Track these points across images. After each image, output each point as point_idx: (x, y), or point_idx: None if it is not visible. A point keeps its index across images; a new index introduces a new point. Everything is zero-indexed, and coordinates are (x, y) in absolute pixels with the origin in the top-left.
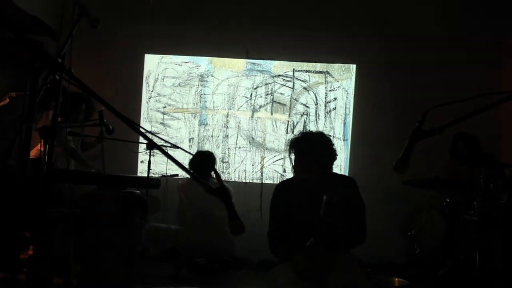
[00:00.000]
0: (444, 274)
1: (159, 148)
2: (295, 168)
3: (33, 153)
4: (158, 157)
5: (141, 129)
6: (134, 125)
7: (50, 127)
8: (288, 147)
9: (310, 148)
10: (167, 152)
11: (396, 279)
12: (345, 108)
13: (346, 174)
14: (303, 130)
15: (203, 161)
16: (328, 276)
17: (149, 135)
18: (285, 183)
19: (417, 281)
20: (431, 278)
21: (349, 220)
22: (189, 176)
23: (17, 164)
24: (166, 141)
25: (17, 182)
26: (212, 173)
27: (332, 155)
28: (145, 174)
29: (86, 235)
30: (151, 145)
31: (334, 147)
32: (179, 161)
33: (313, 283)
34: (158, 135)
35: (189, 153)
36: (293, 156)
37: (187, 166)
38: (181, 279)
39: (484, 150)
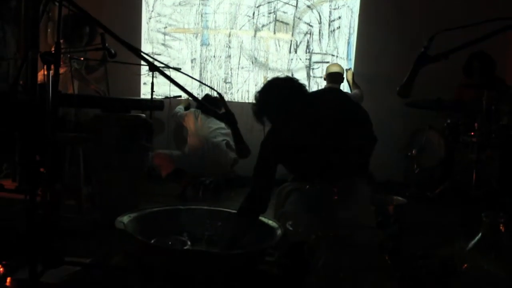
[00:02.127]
0: (440, 193)
1: (160, 71)
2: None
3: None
4: (160, 78)
5: (142, 53)
6: (134, 49)
7: (53, 53)
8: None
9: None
10: (169, 76)
11: (395, 197)
12: (350, 27)
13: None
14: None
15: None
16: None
17: (150, 58)
18: (271, 135)
19: (415, 200)
20: (429, 197)
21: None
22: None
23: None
24: (166, 65)
25: (25, 108)
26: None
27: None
28: (149, 96)
29: (93, 158)
30: (153, 68)
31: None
32: (181, 83)
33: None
34: (158, 58)
35: (190, 76)
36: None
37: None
38: (187, 198)
39: (496, 73)
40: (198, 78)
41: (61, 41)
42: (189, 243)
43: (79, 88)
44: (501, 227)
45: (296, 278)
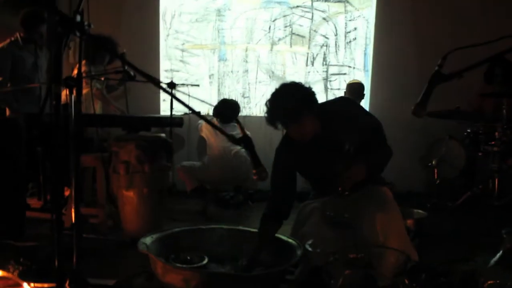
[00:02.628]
0: (462, 203)
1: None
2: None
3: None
4: (180, 95)
5: (155, 80)
6: (149, 78)
7: (75, 78)
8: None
9: (285, 119)
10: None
11: (415, 210)
12: (366, 38)
13: (368, 104)
14: (272, 93)
15: (228, 109)
16: (361, 223)
17: (168, 76)
18: (283, 146)
19: (436, 211)
20: (450, 208)
21: (372, 150)
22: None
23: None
24: (183, 84)
25: (51, 133)
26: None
27: (309, 102)
28: (168, 113)
29: (115, 179)
30: (172, 85)
31: (307, 91)
32: (201, 98)
33: (340, 229)
34: (177, 74)
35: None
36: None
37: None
38: (208, 214)
39: None
40: (216, 93)
41: (83, 61)
42: (206, 259)
43: (102, 108)
44: None
45: None
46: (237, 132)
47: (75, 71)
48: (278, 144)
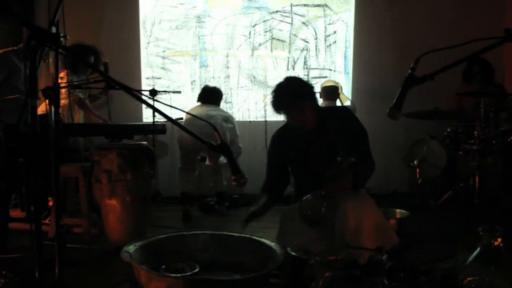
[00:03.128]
0: (444, 202)
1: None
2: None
3: (41, 109)
4: (162, 101)
5: (135, 93)
6: (128, 89)
7: (53, 88)
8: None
9: (288, 105)
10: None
11: (397, 210)
12: (345, 41)
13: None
14: (277, 84)
15: (211, 95)
16: (337, 219)
17: (150, 84)
18: (280, 132)
19: (419, 210)
20: (432, 206)
21: (360, 164)
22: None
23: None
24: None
25: (29, 145)
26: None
27: (307, 95)
28: (151, 120)
29: (97, 187)
30: (153, 92)
31: (309, 84)
32: (182, 104)
33: (319, 229)
34: (158, 82)
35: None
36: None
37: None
38: (193, 219)
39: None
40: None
41: (65, 71)
42: (197, 268)
43: (84, 117)
44: (497, 242)
45: None
46: (218, 113)
47: (59, 80)
48: (275, 131)
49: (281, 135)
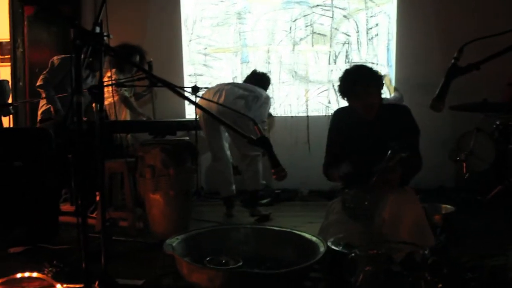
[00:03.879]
0: (493, 197)
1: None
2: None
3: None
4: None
5: (176, 88)
6: (173, 88)
7: (98, 86)
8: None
9: (352, 81)
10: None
11: (443, 205)
12: (388, 33)
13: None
14: (345, 69)
15: (257, 79)
16: (378, 212)
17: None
18: (344, 109)
19: (466, 205)
20: (480, 202)
21: (409, 162)
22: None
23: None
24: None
25: (75, 143)
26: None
27: (378, 86)
28: (193, 117)
29: (142, 182)
30: (196, 89)
31: (378, 72)
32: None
33: (361, 221)
34: (200, 79)
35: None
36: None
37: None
38: (235, 215)
39: None
40: None
41: (113, 70)
42: (241, 261)
43: (130, 115)
44: None
45: None
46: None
47: (106, 78)
48: (338, 108)
49: (343, 114)
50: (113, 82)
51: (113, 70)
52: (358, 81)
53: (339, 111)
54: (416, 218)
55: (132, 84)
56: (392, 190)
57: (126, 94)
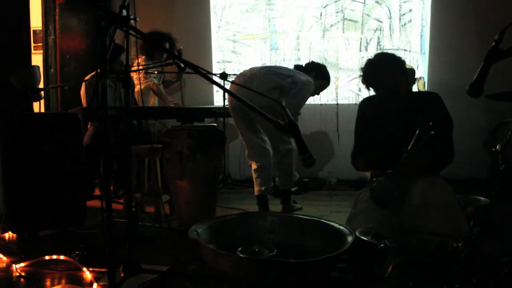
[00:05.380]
0: None
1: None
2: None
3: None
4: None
5: (203, 71)
6: (202, 72)
7: (125, 72)
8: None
9: (378, 72)
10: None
11: (476, 197)
12: (422, 19)
13: (426, 88)
14: (367, 59)
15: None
16: (408, 199)
17: (220, 69)
18: (370, 99)
19: (501, 198)
20: None
21: (439, 148)
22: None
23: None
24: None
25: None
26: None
27: (403, 73)
28: (222, 104)
29: (169, 168)
30: (224, 76)
31: (400, 58)
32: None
33: (390, 209)
34: (229, 65)
35: (241, 85)
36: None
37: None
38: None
39: None
40: None
41: (143, 57)
42: (275, 250)
43: (159, 102)
44: None
45: (368, 285)
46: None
47: (134, 65)
48: (364, 98)
49: (369, 103)
50: (143, 68)
51: (143, 57)
52: (380, 68)
53: (365, 101)
54: (448, 204)
55: (161, 70)
56: (422, 176)
57: (155, 81)
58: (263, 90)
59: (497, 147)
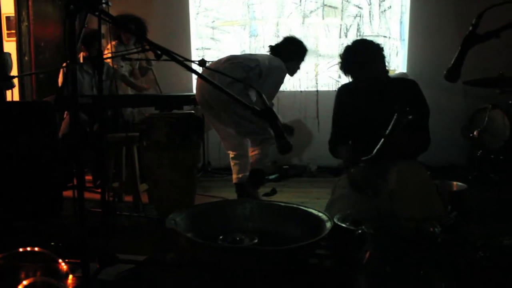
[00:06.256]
0: (506, 176)
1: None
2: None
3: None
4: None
5: (178, 57)
6: (171, 55)
7: (98, 57)
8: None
9: (356, 59)
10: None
11: (454, 182)
12: (401, 6)
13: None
14: (345, 46)
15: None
16: (385, 184)
17: (199, 56)
18: (347, 86)
19: (478, 184)
20: (493, 180)
21: (415, 133)
22: None
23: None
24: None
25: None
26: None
27: (377, 56)
28: None
29: (146, 157)
30: (203, 63)
31: (377, 44)
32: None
33: (368, 194)
34: (208, 52)
35: (225, 74)
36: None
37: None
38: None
39: None
40: None
41: (113, 43)
42: (256, 239)
43: (133, 92)
44: None
45: (347, 272)
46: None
47: (106, 51)
48: (341, 85)
49: (347, 89)
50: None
51: (113, 42)
52: (358, 56)
53: (343, 88)
54: (423, 188)
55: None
56: (398, 162)
57: (124, 72)
58: (223, 84)
59: (475, 133)
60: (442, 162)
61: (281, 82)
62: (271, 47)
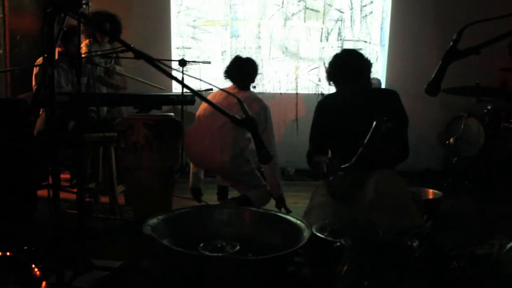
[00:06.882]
0: (480, 183)
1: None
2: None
3: None
4: (191, 72)
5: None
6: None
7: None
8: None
9: (344, 71)
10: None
11: (430, 190)
12: (383, 11)
13: (384, 80)
14: (334, 54)
15: (241, 68)
16: (363, 194)
17: (179, 56)
18: (328, 98)
19: (453, 191)
20: (468, 187)
21: (394, 143)
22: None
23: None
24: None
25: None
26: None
27: (366, 70)
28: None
29: (124, 158)
30: (183, 63)
31: (367, 59)
32: (212, 74)
33: (346, 203)
34: (188, 52)
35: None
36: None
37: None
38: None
39: None
40: None
41: (89, 40)
42: (238, 246)
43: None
44: None
45: (325, 282)
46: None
47: (83, 50)
48: (322, 97)
49: (327, 101)
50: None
51: (86, 41)
52: (345, 67)
53: (323, 101)
54: (401, 198)
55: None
56: (375, 172)
57: (99, 72)
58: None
59: (451, 140)
60: (418, 168)
61: (269, 113)
62: (238, 85)
